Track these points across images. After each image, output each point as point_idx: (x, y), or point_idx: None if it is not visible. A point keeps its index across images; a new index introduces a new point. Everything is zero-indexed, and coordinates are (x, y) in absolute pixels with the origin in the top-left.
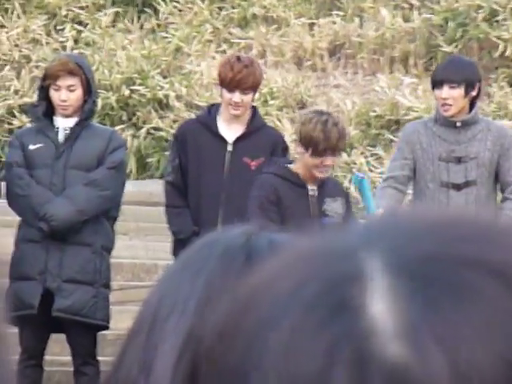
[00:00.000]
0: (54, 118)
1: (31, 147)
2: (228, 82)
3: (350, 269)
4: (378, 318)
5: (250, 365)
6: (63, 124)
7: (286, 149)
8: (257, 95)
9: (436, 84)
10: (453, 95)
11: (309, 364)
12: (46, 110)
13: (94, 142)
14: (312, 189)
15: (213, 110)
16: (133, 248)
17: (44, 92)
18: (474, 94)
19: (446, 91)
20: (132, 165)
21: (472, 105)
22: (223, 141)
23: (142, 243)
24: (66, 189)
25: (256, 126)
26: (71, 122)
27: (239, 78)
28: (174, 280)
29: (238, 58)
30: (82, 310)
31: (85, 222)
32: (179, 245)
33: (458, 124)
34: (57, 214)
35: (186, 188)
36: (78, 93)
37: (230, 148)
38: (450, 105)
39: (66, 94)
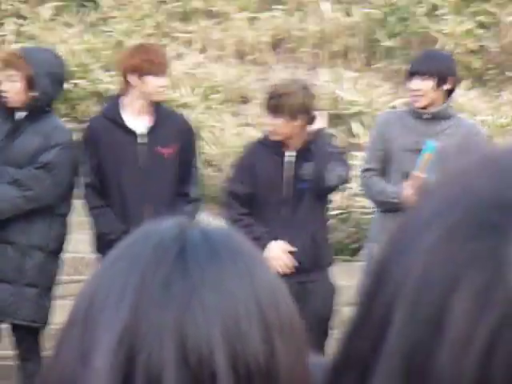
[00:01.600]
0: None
1: None
2: (157, 66)
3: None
4: None
5: (394, 261)
6: (18, 116)
7: (194, 131)
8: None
9: (408, 76)
10: (422, 87)
11: (440, 274)
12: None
13: (35, 138)
14: (290, 155)
15: (116, 102)
16: (76, 242)
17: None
18: (446, 87)
19: (416, 82)
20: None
21: (446, 98)
22: (132, 133)
23: (83, 237)
24: None
25: (163, 115)
26: (17, 116)
27: (158, 62)
28: (108, 271)
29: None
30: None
31: (11, 220)
32: (105, 245)
33: (425, 116)
34: None
35: (105, 188)
36: (18, 85)
37: (140, 140)
38: (421, 96)
39: (7, 84)
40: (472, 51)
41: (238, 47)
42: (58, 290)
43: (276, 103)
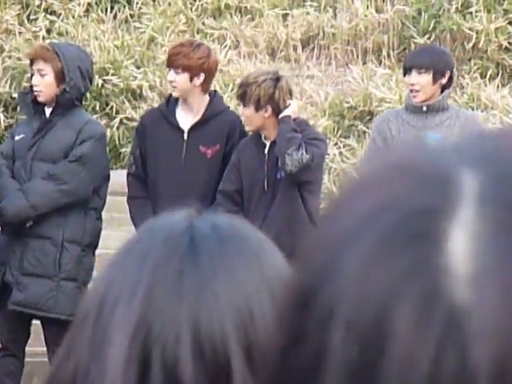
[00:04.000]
0: (36, 107)
1: (16, 137)
2: (166, 60)
3: (437, 194)
4: (454, 256)
5: (321, 284)
6: (41, 113)
7: (243, 132)
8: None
9: (406, 70)
10: (420, 81)
11: (376, 291)
12: (31, 99)
13: (66, 133)
14: (268, 145)
15: (172, 99)
16: (106, 238)
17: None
18: (443, 81)
19: (413, 77)
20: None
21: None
22: (180, 130)
23: (114, 233)
24: (29, 181)
25: (213, 113)
26: (46, 111)
27: (171, 54)
28: (119, 266)
29: (184, 41)
30: (38, 303)
31: (48, 215)
32: None
33: (424, 108)
34: (8, 207)
35: (147, 179)
36: (48, 79)
37: (185, 137)
38: (418, 90)
39: (37, 78)
40: (505, 48)
41: (270, 44)
42: (90, 287)
43: (243, 92)
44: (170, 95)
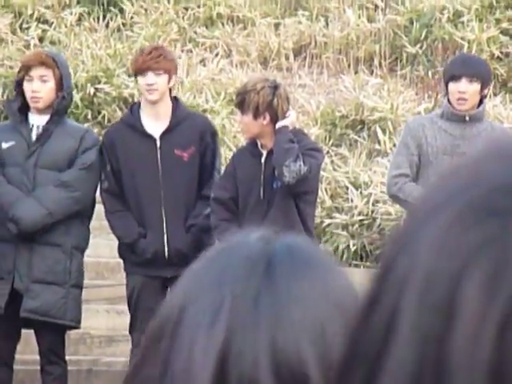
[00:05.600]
0: (29, 114)
1: (4, 145)
2: (140, 65)
3: None
4: None
5: (400, 251)
6: (37, 121)
7: (214, 133)
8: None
9: (453, 78)
10: (470, 90)
11: (449, 262)
12: (21, 106)
13: (66, 141)
14: (264, 155)
15: (135, 108)
16: (96, 246)
17: (19, 87)
18: (486, 92)
19: (464, 85)
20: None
21: (479, 102)
22: (150, 137)
23: (104, 242)
24: (35, 189)
25: (181, 116)
26: (45, 118)
27: (150, 57)
28: (196, 284)
29: (154, 45)
30: (51, 310)
31: (55, 222)
32: (125, 248)
33: (467, 118)
34: (25, 216)
35: (123, 192)
36: (51, 85)
37: (158, 143)
38: (466, 99)
39: (38, 84)
40: (497, 57)
41: (262, 53)
42: (82, 295)
43: (242, 100)
44: (133, 105)
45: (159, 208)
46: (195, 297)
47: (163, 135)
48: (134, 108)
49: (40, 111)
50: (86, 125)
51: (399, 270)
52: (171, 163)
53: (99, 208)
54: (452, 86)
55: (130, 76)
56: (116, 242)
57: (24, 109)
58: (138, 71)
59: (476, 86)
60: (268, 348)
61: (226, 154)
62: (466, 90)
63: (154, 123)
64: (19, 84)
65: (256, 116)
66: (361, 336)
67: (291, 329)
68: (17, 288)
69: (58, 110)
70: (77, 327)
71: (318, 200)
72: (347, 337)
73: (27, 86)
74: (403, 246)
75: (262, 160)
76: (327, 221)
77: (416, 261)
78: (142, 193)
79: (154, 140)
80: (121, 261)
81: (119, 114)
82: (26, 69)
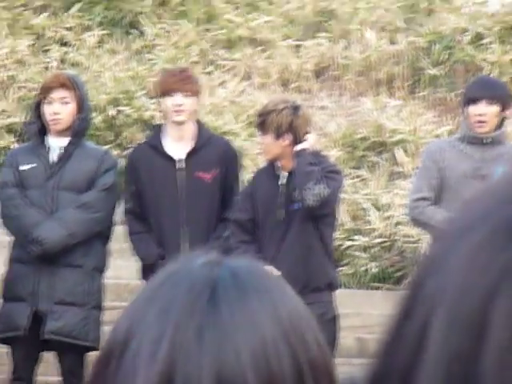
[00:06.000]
0: (47, 137)
1: (24, 167)
2: (169, 85)
3: None
4: None
5: (432, 271)
6: (56, 143)
7: (236, 156)
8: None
9: (472, 100)
10: (489, 112)
11: (479, 282)
12: (40, 128)
13: (86, 162)
14: (283, 176)
15: (157, 129)
16: (117, 268)
17: (38, 110)
18: (507, 113)
19: (483, 107)
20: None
21: (499, 124)
22: (172, 159)
23: (125, 263)
24: (56, 210)
25: (204, 139)
26: (64, 141)
27: (179, 79)
28: (141, 313)
29: (181, 68)
30: (73, 331)
31: (75, 243)
32: (147, 269)
33: (486, 140)
34: (47, 237)
35: (145, 213)
36: (71, 107)
37: (180, 165)
38: (485, 121)
39: (59, 106)
40: None
41: (282, 75)
42: (102, 316)
43: (263, 121)
44: (156, 126)
45: (180, 230)
46: (139, 327)
47: (187, 157)
48: (156, 129)
49: (59, 133)
50: (106, 147)
51: (430, 287)
52: (193, 185)
53: (119, 230)
54: (471, 108)
55: (150, 98)
56: (136, 264)
57: (43, 131)
58: (166, 92)
59: (495, 109)
60: (209, 377)
61: (245, 176)
62: (485, 112)
63: (178, 145)
64: (38, 106)
65: (277, 137)
66: (393, 351)
67: (235, 358)
68: (39, 309)
69: (78, 132)
70: (97, 349)
71: (338, 222)
72: (380, 352)
73: (47, 108)
74: (434, 265)
75: (281, 181)
76: (347, 243)
77: (447, 278)
78: (164, 214)
79: (176, 162)
80: (141, 282)
81: (140, 135)
82: (45, 91)
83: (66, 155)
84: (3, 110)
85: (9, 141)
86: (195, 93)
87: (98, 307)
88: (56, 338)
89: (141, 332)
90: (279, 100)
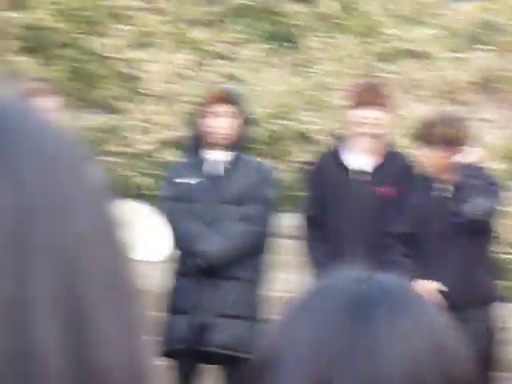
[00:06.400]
0: (208, 151)
1: (185, 180)
2: (367, 98)
3: None
4: None
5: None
6: (217, 157)
7: (413, 171)
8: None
9: None
10: None
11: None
12: (200, 143)
13: (247, 175)
14: (444, 188)
15: (343, 141)
16: (272, 281)
17: (198, 124)
18: None
19: None
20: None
21: None
22: (356, 172)
23: (282, 276)
24: (218, 223)
25: (389, 154)
26: (225, 155)
27: (377, 93)
28: (292, 325)
29: (374, 82)
30: (236, 344)
31: (236, 255)
32: (317, 277)
33: None
34: (212, 249)
35: (323, 221)
36: (232, 121)
37: (364, 179)
38: None
39: (220, 120)
40: None
41: (444, 87)
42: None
43: (426, 133)
44: (341, 137)
45: (354, 242)
46: (291, 340)
47: (372, 171)
48: (342, 141)
49: (220, 147)
50: (267, 160)
51: None
52: (375, 200)
53: (276, 242)
54: None
55: (309, 112)
56: (292, 277)
57: (205, 145)
58: (362, 104)
59: None
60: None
61: None
62: None
63: (363, 158)
64: (200, 120)
65: (440, 149)
66: None
67: (388, 368)
68: (201, 323)
69: (239, 146)
70: None
71: (501, 236)
72: None
73: (208, 122)
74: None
75: (444, 194)
76: (510, 257)
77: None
78: (341, 225)
79: (360, 175)
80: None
81: (298, 149)
82: (207, 105)
83: (227, 169)
84: (166, 125)
85: (172, 155)
86: (389, 108)
87: (261, 319)
88: (219, 350)
89: (292, 345)
90: (443, 113)
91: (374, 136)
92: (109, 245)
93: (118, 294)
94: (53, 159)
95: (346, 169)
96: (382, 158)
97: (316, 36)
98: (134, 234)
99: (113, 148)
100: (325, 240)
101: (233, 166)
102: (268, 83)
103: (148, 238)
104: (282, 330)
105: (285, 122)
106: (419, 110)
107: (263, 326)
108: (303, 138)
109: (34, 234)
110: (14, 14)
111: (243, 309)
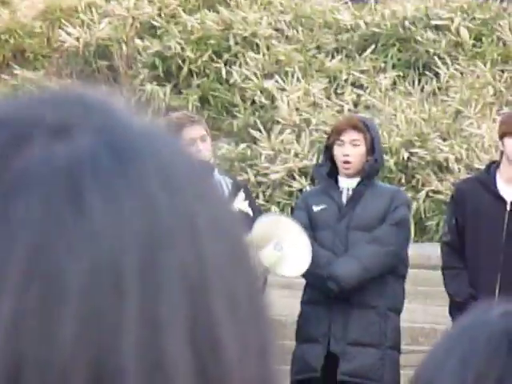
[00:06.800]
0: (339, 178)
1: (315, 208)
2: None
3: None
4: None
5: None
6: (347, 184)
7: None
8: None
9: None
10: None
11: None
12: (331, 170)
13: (377, 201)
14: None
15: (492, 168)
16: (411, 311)
17: (329, 152)
18: None
19: None
20: (411, 227)
21: None
22: (502, 201)
23: (420, 307)
24: (347, 250)
25: None
26: (355, 181)
27: None
28: (441, 362)
29: None
30: (368, 373)
31: (369, 283)
32: (455, 307)
33: None
34: (344, 273)
35: (464, 249)
36: (362, 149)
37: (509, 208)
38: None
39: (350, 148)
40: None
41: None
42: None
43: None
44: (491, 163)
45: (495, 272)
46: (440, 377)
47: None
48: (491, 167)
49: (350, 175)
50: (401, 188)
51: None
52: None
53: (414, 273)
54: None
55: (444, 140)
56: (431, 308)
57: (334, 172)
58: (508, 132)
59: None
60: None
61: None
62: None
63: (509, 185)
64: (329, 148)
65: None
66: None
67: None
68: (333, 351)
69: (369, 174)
70: None
71: None
72: None
73: (338, 150)
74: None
75: (508, 208)
76: None
77: None
78: (482, 253)
79: (508, 204)
80: (436, 326)
81: (433, 178)
82: (337, 133)
83: (357, 196)
84: (297, 153)
85: (302, 183)
86: None
87: (395, 348)
88: (350, 379)
89: (441, 382)
90: None
91: None
92: (241, 270)
93: (250, 319)
94: (183, 188)
95: (493, 195)
96: None
97: (452, 64)
98: (283, 250)
99: (252, 178)
100: (463, 267)
101: (361, 193)
102: (403, 112)
103: (295, 255)
104: (429, 369)
105: (420, 151)
106: None
107: (396, 355)
108: (438, 166)
109: (164, 258)
110: (142, 43)
111: (376, 337)
